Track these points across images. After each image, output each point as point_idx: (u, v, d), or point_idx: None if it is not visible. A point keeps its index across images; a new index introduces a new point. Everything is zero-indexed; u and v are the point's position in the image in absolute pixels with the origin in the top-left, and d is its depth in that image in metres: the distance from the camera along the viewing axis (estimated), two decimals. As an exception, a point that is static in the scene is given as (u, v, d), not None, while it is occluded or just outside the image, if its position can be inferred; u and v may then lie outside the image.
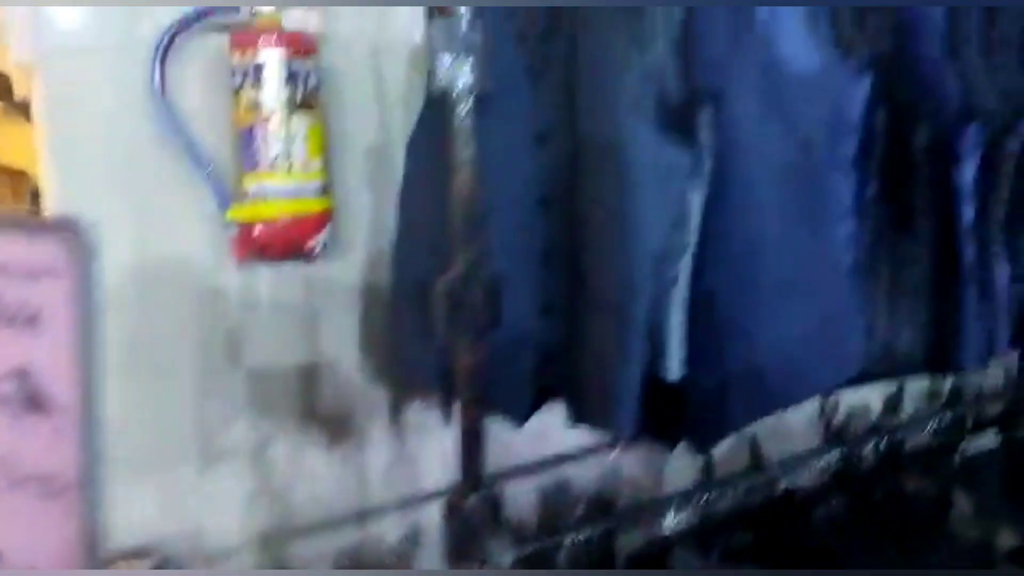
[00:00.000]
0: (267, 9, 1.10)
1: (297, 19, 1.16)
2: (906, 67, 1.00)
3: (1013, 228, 1.12)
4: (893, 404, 1.53)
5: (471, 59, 0.87)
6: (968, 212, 1.00)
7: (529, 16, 0.93)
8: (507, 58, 0.93)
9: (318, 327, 1.29)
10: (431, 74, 0.86)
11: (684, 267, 0.83)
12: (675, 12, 0.86)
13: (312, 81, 1.12)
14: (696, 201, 0.83)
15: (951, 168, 0.98)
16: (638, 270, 0.81)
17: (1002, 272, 1.08)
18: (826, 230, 0.85)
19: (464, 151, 0.89)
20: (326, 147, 1.16)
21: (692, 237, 0.83)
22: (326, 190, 1.15)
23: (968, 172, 0.98)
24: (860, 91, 0.84)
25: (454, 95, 0.87)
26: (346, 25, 1.24)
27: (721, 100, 0.82)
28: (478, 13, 0.87)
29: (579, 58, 0.85)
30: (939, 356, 1.04)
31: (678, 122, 0.83)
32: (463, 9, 0.86)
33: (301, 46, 1.11)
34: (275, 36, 1.09)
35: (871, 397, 1.54)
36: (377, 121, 1.28)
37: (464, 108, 0.88)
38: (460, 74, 0.87)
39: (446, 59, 0.86)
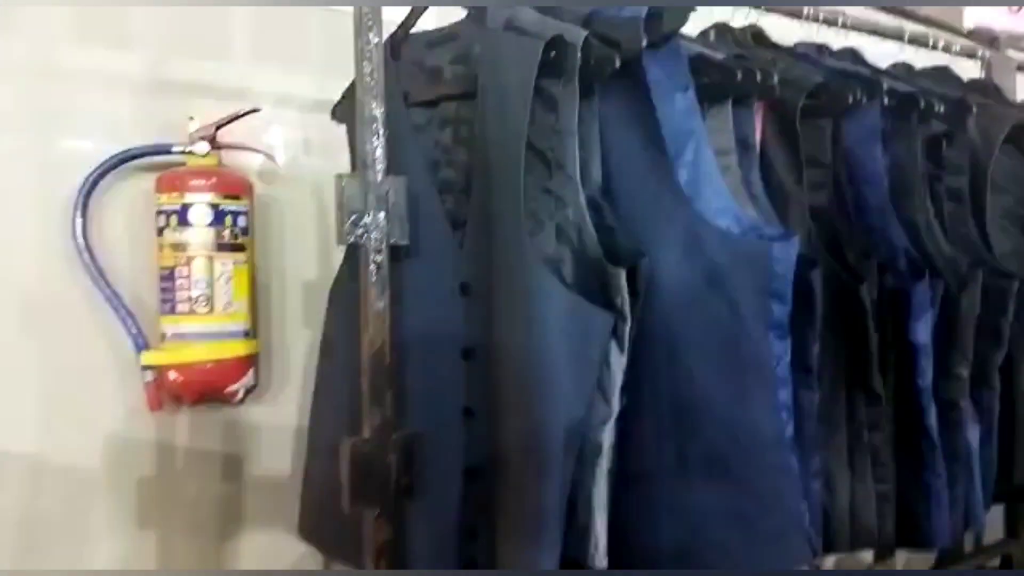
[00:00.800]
0: (200, 149, 1.08)
1: (238, 161, 1.15)
2: (850, 219, 0.96)
3: (980, 384, 1.05)
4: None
5: (384, 213, 0.83)
6: (926, 371, 0.93)
7: (451, 167, 0.90)
8: (429, 209, 0.89)
9: (242, 474, 1.21)
10: (342, 229, 0.81)
11: (607, 438, 0.75)
12: (595, 168, 0.82)
13: (241, 222, 1.08)
14: (617, 367, 0.76)
15: (905, 325, 0.92)
16: (553, 442, 0.73)
17: (972, 433, 0.99)
18: (761, 398, 0.78)
19: (376, 303, 0.83)
20: (253, 288, 1.12)
21: (614, 406, 0.76)
22: (250, 333, 1.10)
23: (923, 329, 0.92)
24: (790, 250, 0.78)
25: (368, 247, 0.83)
26: (290, 160, 1.23)
27: (642, 259, 0.77)
28: (392, 169, 0.84)
29: (494, 210, 0.81)
30: (908, 531, 0.94)
31: (597, 282, 0.77)
32: (378, 165, 0.82)
33: (232, 187, 1.08)
34: (204, 177, 1.06)
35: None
36: (316, 259, 1.25)
37: (379, 259, 0.83)
38: (374, 227, 0.82)
39: (358, 215, 0.82)
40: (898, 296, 0.92)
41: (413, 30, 0.93)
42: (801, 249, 0.89)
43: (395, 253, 0.86)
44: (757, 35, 1.08)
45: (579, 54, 0.78)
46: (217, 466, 1.20)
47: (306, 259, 1.24)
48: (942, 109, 1.02)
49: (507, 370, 0.79)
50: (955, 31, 1.39)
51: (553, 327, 0.75)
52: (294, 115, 1.21)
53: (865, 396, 0.92)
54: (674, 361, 0.79)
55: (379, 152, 0.83)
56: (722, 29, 1.07)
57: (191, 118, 1.11)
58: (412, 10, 0.93)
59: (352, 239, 0.82)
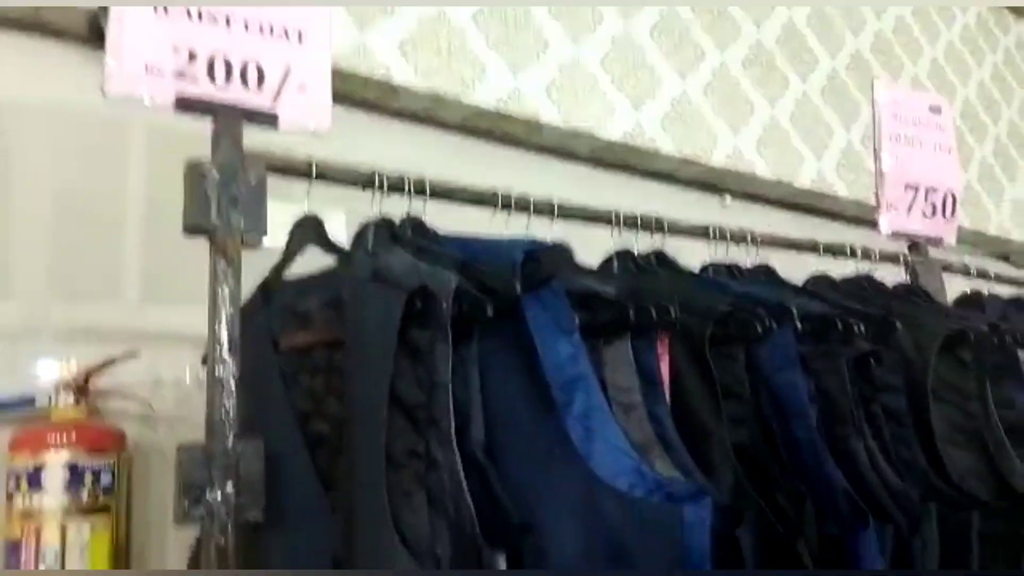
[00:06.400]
0: (66, 401, 0.98)
1: (118, 408, 1.05)
2: (780, 457, 0.86)
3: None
4: None
5: (235, 484, 0.71)
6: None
7: (324, 420, 0.80)
8: (298, 468, 0.78)
9: None
10: (180, 508, 0.69)
11: None
12: (476, 423, 0.73)
13: (104, 480, 0.96)
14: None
15: (853, 582, 0.79)
16: None
17: None
18: None
19: None
20: (118, 554, 0.97)
21: None
22: (105, 614, 0.94)
23: (873, 588, 0.79)
24: (703, 512, 0.68)
25: (211, 529, 0.70)
26: (180, 401, 1.13)
27: (526, 538, 0.65)
28: (251, 428, 0.74)
29: (356, 476, 0.70)
30: None
31: (475, 562, 0.65)
32: (228, 430, 0.72)
33: (96, 441, 0.97)
34: (64, 432, 0.95)
35: None
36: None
37: (222, 542, 0.70)
38: (219, 502, 0.71)
39: (200, 490, 0.70)
40: (841, 547, 0.80)
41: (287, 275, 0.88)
42: (726, 497, 0.79)
43: (254, 527, 0.74)
44: (661, 258, 1.04)
45: (448, 303, 0.71)
46: None
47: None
48: (863, 328, 0.96)
49: None
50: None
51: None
52: (185, 354, 1.14)
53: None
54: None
55: (231, 416, 0.74)
56: (624, 256, 1.03)
57: (68, 361, 1.02)
58: (284, 253, 0.88)
59: (191, 520, 0.70)
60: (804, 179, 2.07)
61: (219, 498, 0.71)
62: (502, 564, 0.64)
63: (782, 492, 0.82)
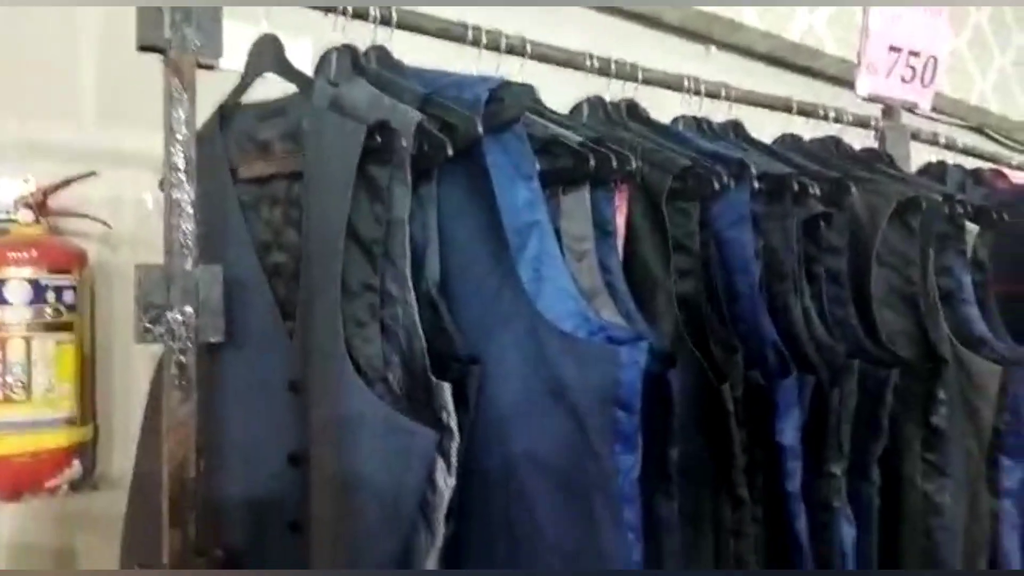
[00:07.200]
0: (25, 217, 0.98)
1: (78, 228, 1.05)
2: (720, 309, 0.90)
3: (859, 478, 1.00)
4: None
5: (192, 307, 0.74)
6: (794, 474, 0.87)
7: (282, 251, 0.82)
8: (257, 296, 0.81)
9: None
10: (139, 326, 0.72)
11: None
12: (432, 262, 0.74)
13: (67, 298, 0.98)
14: (444, 489, 0.68)
15: (771, 426, 0.86)
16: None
17: (846, 533, 0.94)
18: (605, 520, 0.71)
19: (179, 410, 0.74)
20: (83, 369, 1.01)
21: (439, 534, 0.68)
22: (74, 420, 0.99)
23: (789, 429, 0.86)
24: (638, 354, 0.72)
25: (172, 347, 0.73)
26: (139, 223, 1.13)
27: (472, 369, 0.69)
28: (211, 255, 0.75)
29: (314, 305, 0.73)
30: (775, 643, 0.87)
31: (424, 393, 0.69)
32: (187, 253, 0.74)
33: (58, 259, 0.98)
34: (24, 250, 0.96)
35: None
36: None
37: (183, 360, 0.74)
38: (179, 324, 0.73)
39: (159, 311, 0.72)
40: (764, 394, 0.87)
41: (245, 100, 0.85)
42: (665, 344, 0.84)
43: (213, 349, 0.78)
44: (632, 109, 1.02)
45: (408, 140, 0.71)
46: (48, 563, 1.08)
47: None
48: (818, 191, 0.98)
49: (320, 491, 0.71)
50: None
51: (365, 446, 0.67)
52: (145, 175, 1.12)
53: (730, 501, 0.86)
54: (510, 481, 0.71)
55: (189, 239, 0.75)
56: (595, 103, 1.01)
57: (25, 180, 1.01)
58: (243, 76, 0.85)
59: (151, 338, 0.73)
60: (794, 32, 2.00)
61: (179, 318, 0.74)
62: (447, 394, 0.68)
63: (717, 342, 0.87)
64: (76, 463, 0.99)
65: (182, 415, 0.74)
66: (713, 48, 1.95)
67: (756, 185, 0.93)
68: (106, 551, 1.10)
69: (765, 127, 1.27)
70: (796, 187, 0.95)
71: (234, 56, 0.85)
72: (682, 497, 0.81)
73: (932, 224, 1.14)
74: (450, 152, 0.72)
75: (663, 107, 1.10)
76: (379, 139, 0.71)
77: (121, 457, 1.10)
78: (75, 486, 1.01)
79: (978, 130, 2.61)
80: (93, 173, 1.02)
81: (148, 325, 0.73)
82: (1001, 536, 1.17)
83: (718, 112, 1.16)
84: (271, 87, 0.86)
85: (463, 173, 0.76)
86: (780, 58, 2.05)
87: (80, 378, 1.00)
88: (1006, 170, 1.61)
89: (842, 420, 0.93)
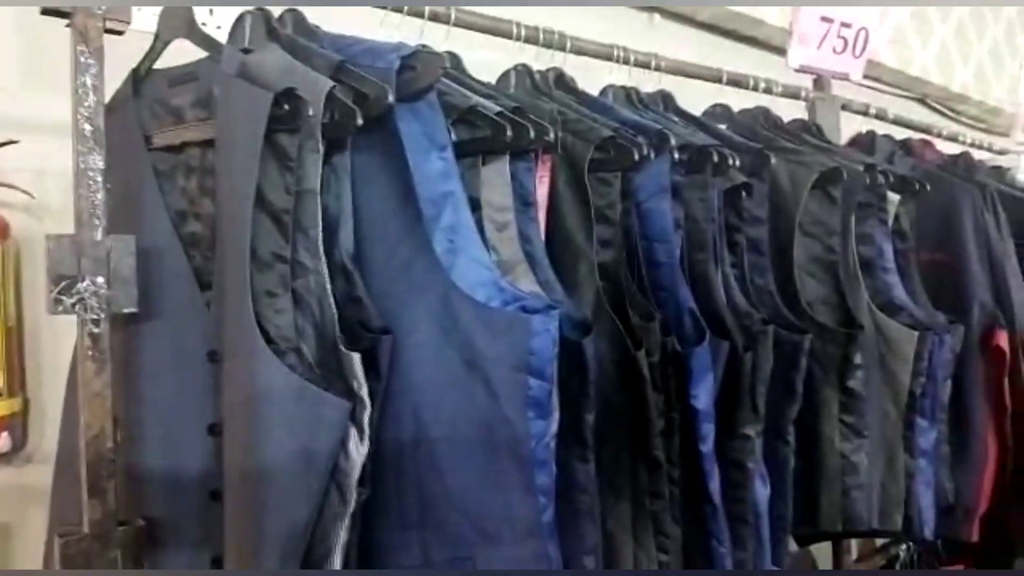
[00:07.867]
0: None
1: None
2: (640, 278, 0.92)
3: (775, 439, 1.04)
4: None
5: (104, 277, 0.73)
6: (708, 436, 0.90)
7: (198, 220, 0.81)
8: (173, 266, 0.80)
9: (10, 544, 1.09)
10: (50, 297, 0.71)
11: (340, 538, 0.69)
12: (345, 231, 0.75)
13: (-14, 269, 0.97)
14: (357, 457, 0.69)
15: (686, 390, 0.89)
16: (269, 549, 0.66)
17: (760, 493, 0.98)
18: (514, 484, 0.73)
19: (94, 381, 0.74)
20: (7, 344, 1.00)
21: (351, 501, 0.69)
22: (0, 393, 0.98)
23: (703, 394, 0.89)
24: (550, 323, 0.74)
25: (85, 318, 0.73)
26: (66, 192, 1.11)
27: (382, 339, 0.70)
28: (124, 223, 0.75)
29: (226, 276, 0.73)
30: (691, 598, 0.91)
31: (336, 363, 0.70)
32: (97, 222, 0.73)
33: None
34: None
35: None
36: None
37: (96, 331, 0.73)
38: (90, 294, 0.73)
39: (70, 282, 0.72)
40: (680, 360, 0.89)
41: (157, 65, 0.84)
42: (583, 313, 0.85)
43: (129, 320, 0.77)
44: (559, 79, 1.03)
45: (318, 109, 0.70)
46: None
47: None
48: (739, 162, 1.00)
49: (233, 460, 0.72)
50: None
51: (276, 416, 0.68)
52: (69, 144, 1.09)
53: (647, 463, 0.89)
54: (422, 448, 0.73)
55: (99, 208, 0.74)
56: (523, 72, 1.01)
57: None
58: (153, 41, 0.83)
59: (62, 309, 0.72)
60: (737, -1, 2.00)
61: (91, 288, 0.73)
62: (357, 364, 0.69)
63: (636, 310, 0.89)
64: (5, 435, 0.98)
65: (97, 386, 0.74)
66: (657, 16, 1.95)
67: (677, 156, 0.94)
68: (40, 524, 1.10)
69: (701, 98, 1.28)
70: (716, 158, 0.97)
71: (146, 20, 0.84)
72: (600, 460, 0.84)
73: (853, 194, 1.18)
74: (359, 121, 0.72)
75: (601, 78, 1.11)
76: (286, 107, 0.70)
77: (53, 430, 1.09)
78: (5, 458, 1.00)
79: (920, 100, 2.67)
80: (15, 141, 0.99)
81: (59, 296, 0.72)
82: (916, 494, 1.24)
83: (670, 84, 1.16)
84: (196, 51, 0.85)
85: (377, 142, 0.76)
86: (721, 27, 2.06)
87: (6, 350, 0.99)
88: (936, 140, 1.65)
89: (756, 383, 0.97)
